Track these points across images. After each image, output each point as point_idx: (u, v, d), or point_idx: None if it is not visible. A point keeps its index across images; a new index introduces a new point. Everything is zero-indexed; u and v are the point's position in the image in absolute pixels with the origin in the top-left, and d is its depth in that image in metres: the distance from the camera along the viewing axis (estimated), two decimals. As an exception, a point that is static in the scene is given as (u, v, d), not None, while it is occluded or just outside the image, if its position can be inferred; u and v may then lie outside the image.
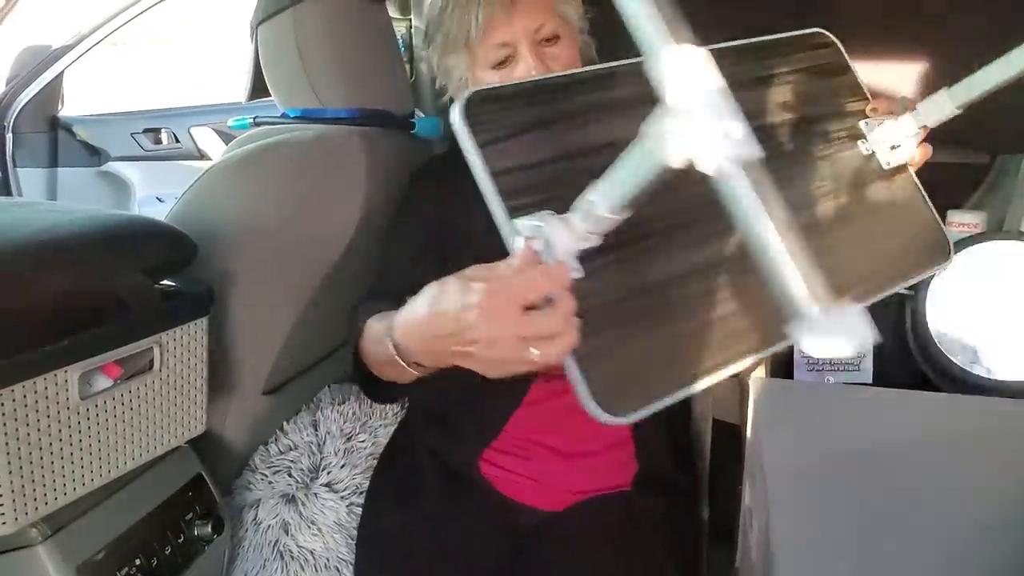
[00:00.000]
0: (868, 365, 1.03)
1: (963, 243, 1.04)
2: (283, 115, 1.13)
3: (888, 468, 0.74)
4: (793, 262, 0.44)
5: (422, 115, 1.31)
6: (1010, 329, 0.97)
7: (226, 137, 2.49)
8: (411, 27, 1.47)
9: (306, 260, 1.06)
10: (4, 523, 0.73)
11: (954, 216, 1.16)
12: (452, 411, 1.08)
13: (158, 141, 2.46)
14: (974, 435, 0.81)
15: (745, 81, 0.77)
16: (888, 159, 0.85)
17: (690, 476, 1.13)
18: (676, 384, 0.62)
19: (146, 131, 2.44)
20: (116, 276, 0.78)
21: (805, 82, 0.83)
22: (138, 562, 0.87)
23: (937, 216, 0.87)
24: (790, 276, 0.44)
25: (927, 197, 0.87)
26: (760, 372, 1.08)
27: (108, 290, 0.78)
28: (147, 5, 2.31)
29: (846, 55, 0.87)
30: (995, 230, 1.15)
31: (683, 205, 0.65)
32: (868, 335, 0.43)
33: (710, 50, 0.47)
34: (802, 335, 0.44)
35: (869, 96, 0.87)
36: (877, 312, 1.07)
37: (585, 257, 0.58)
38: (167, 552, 0.92)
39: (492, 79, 0.97)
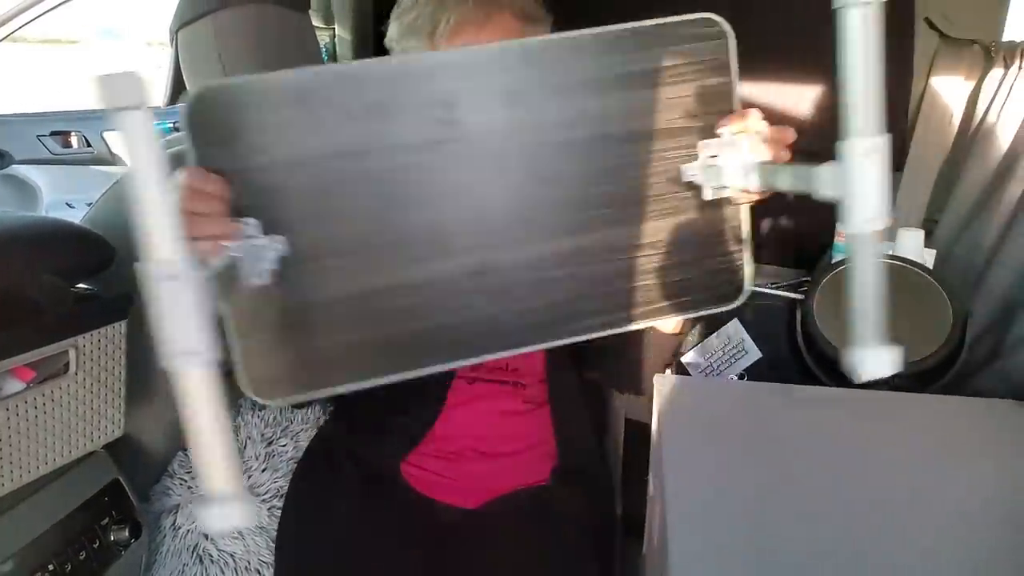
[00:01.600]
0: (751, 346, 1.11)
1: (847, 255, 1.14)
2: (204, 120, 1.13)
3: (777, 453, 0.81)
4: None
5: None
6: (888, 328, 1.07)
7: (142, 142, 2.42)
8: (335, 36, 1.49)
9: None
10: (-90, 529, 0.72)
11: (840, 227, 1.26)
12: (376, 416, 1.10)
13: (67, 144, 2.37)
14: (855, 422, 0.90)
15: (600, 79, 0.69)
16: (711, 192, 0.72)
17: (605, 472, 1.18)
18: (327, 382, 0.69)
19: (54, 134, 2.35)
20: (27, 277, 0.78)
21: (666, 83, 0.70)
22: (51, 567, 0.86)
23: (746, 255, 0.77)
24: None
25: (744, 234, 0.77)
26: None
27: (20, 291, 0.77)
28: (48, 6, 2.25)
29: (732, 51, 0.71)
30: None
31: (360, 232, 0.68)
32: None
33: (574, 37, 0.51)
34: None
35: (734, 107, 0.72)
36: (772, 314, 1.15)
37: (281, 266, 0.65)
38: (81, 557, 0.91)
39: None
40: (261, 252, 0.63)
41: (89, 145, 2.38)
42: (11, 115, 2.43)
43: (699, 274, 0.76)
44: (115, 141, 2.43)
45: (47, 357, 0.82)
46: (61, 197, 2.27)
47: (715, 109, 0.71)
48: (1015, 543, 0.69)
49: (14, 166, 2.24)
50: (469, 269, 0.70)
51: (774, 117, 0.69)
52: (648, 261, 0.74)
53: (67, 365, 0.85)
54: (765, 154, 0.66)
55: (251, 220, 0.63)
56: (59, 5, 1.92)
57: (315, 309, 0.68)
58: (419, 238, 0.68)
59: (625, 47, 0.69)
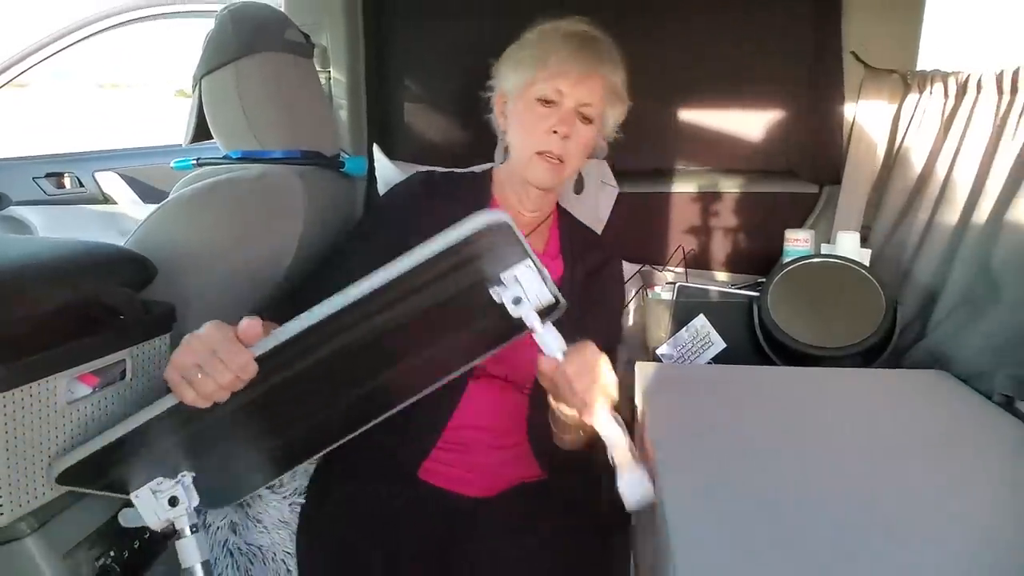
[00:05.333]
0: (716, 337, 1.27)
1: (796, 256, 1.32)
2: (226, 156, 1.26)
3: (747, 424, 0.96)
4: None
5: (347, 154, 1.48)
6: (826, 318, 1.24)
7: (131, 181, 2.52)
8: (330, 78, 1.64)
9: (251, 282, 1.19)
10: (1, 514, 0.82)
11: (789, 233, 1.44)
12: (398, 414, 1.20)
13: (61, 185, 2.45)
14: (810, 394, 1.06)
15: (421, 285, 0.82)
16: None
17: (595, 462, 1.29)
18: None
19: (49, 175, 2.44)
20: (104, 290, 0.90)
21: (473, 260, 0.83)
22: (112, 553, 0.97)
23: None
24: None
25: None
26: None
27: (96, 303, 0.89)
28: (48, 53, 2.36)
29: (517, 231, 0.81)
30: (821, 245, 1.43)
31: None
32: None
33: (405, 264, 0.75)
34: None
35: (534, 259, 0.84)
36: (733, 310, 1.30)
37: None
38: (136, 546, 1.01)
39: (535, 110, 1.16)
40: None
41: (82, 185, 2.47)
42: (8, 158, 2.51)
43: None
44: (105, 181, 2.53)
45: (108, 365, 0.94)
46: (55, 235, 2.35)
47: (513, 259, 0.83)
48: (947, 477, 0.83)
49: (11, 207, 2.32)
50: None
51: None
52: None
53: (123, 372, 0.96)
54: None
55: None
56: (60, 52, 2.04)
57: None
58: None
59: (436, 263, 0.80)
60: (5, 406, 0.80)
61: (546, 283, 0.85)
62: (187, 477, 0.91)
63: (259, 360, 0.81)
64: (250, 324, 0.80)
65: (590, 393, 0.84)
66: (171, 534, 0.92)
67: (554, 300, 0.85)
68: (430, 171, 1.32)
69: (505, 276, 0.84)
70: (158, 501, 0.90)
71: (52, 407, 0.86)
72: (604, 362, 0.86)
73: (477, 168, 1.37)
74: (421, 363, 0.97)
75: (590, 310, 1.18)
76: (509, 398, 1.16)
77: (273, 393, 0.87)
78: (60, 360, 0.86)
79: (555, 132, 1.15)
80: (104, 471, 0.88)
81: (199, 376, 0.79)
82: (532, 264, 0.84)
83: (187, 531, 0.91)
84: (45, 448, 0.86)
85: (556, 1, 1.27)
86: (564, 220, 1.31)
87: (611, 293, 1.27)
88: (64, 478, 0.85)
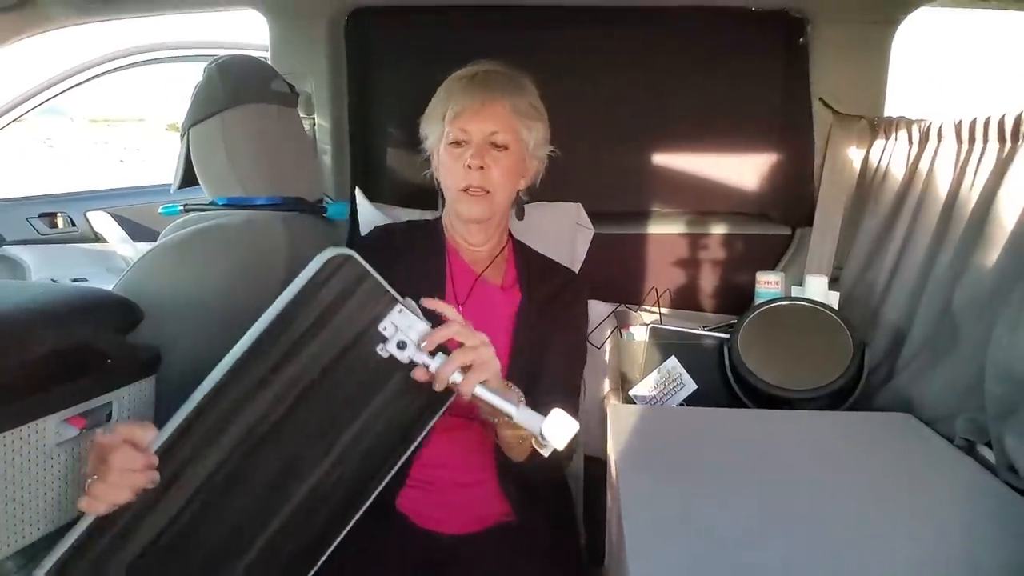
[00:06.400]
0: (688, 379, 1.30)
1: (767, 299, 1.36)
2: (212, 202, 1.30)
3: (718, 467, 0.99)
4: None
5: (330, 199, 1.52)
6: (796, 360, 1.27)
7: (121, 221, 2.57)
8: (315, 124, 1.69)
9: (235, 326, 1.21)
10: (-10, 554, 0.85)
11: (760, 275, 1.48)
12: None
13: (54, 225, 2.50)
14: (780, 436, 1.09)
15: (294, 341, 0.87)
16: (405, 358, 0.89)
17: (567, 505, 1.31)
18: None
19: (42, 215, 2.49)
20: (94, 335, 0.93)
21: (336, 309, 0.87)
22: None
23: None
24: None
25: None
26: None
27: (86, 347, 0.93)
28: (44, 97, 2.43)
29: (363, 263, 0.87)
30: (792, 287, 1.47)
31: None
32: None
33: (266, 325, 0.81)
34: None
35: (396, 295, 0.89)
36: (704, 352, 1.33)
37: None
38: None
39: (450, 153, 1.23)
40: None
41: (74, 224, 2.53)
42: (1, 200, 2.56)
43: None
44: (96, 220, 2.58)
45: (95, 408, 0.97)
46: (48, 273, 2.38)
47: (380, 306, 0.88)
48: (906, 521, 0.87)
49: (5, 246, 2.37)
50: None
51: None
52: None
53: (109, 415, 0.99)
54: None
55: None
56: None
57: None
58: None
59: (296, 312, 0.87)
60: (-4, 448, 0.83)
61: (418, 315, 0.89)
62: None
63: (162, 455, 0.82)
64: (131, 427, 0.83)
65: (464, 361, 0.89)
66: None
67: (430, 325, 0.90)
68: (388, 224, 1.38)
69: (383, 328, 0.88)
70: None
71: (41, 449, 0.89)
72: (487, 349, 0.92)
73: (430, 216, 1.42)
74: (359, 452, 0.93)
75: (552, 333, 1.22)
76: (474, 436, 1.19)
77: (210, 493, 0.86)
78: (50, 403, 0.90)
79: (469, 167, 1.20)
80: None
81: (88, 483, 0.81)
82: (400, 307, 0.88)
83: None
84: (33, 488, 0.89)
85: (532, 51, 1.33)
86: (519, 250, 1.35)
87: (573, 314, 1.30)
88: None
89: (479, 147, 1.21)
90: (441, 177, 1.29)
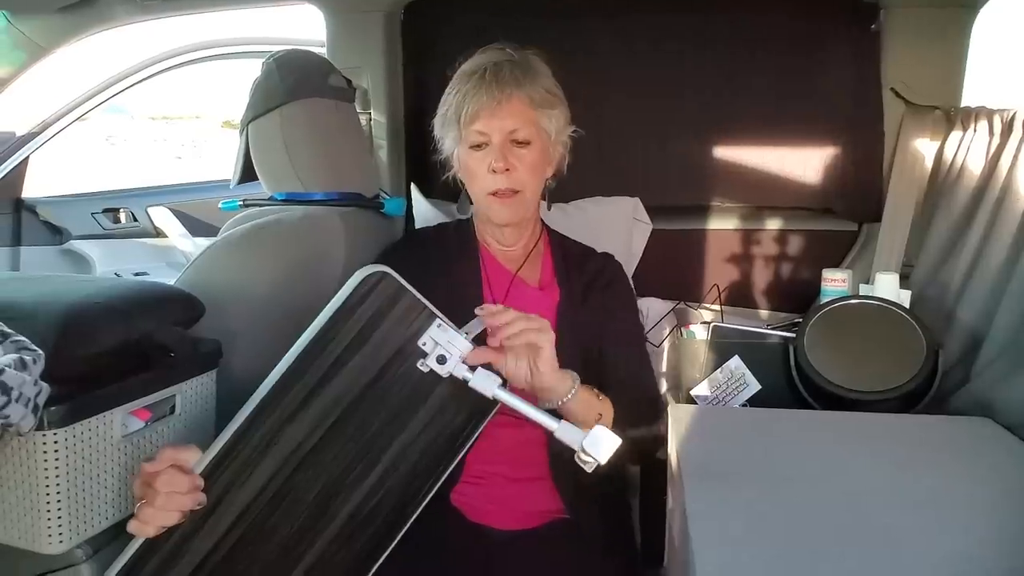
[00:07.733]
0: (751, 379, 1.26)
1: (833, 297, 1.31)
2: (271, 198, 1.31)
3: (784, 471, 0.95)
4: None
5: (387, 195, 1.52)
6: (865, 361, 1.22)
7: (180, 216, 2.63)
8: (371, 119, 1.69)
9: (295, 320, 1.22)
10: (61, 542, 0.86)
11: (826, 273, 1.42)
12: None
13: (117, 220, 2.58)
14: (848, 440, 1.04)
15: (334, 362, 0.87)
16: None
17: (624, 505, 1.30)
18: None
19: (105, 211, 2.56)
20: (158, 329, 0.95)
21: (374, 326, 0.87)
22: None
23: None
24: None
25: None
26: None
27: (150, 341, 0.94)
28: (106, 96, 2.49)
29: (399, 279, 0.87)
30: (860, 285, 1.42)
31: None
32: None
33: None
34: None
35: (433, 309, 0.89)
36: (769, 351, 1.30)
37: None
38: None
39: (471, 157, 1.19)
40: None
41: (135, 220, 2.60)
42: (68, 195, 2.65)
43: None
44: (157, 216, 2.64)
45: (160, 400, 0.98)
46: (111, 267, 2.46)
47: (418, 322, 0.88)
48: (987, 532, 0.82)
49: (71, 241, 2.44)
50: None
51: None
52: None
53: (173, 407, 1.01)
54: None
55: None
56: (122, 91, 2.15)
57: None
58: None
59: (335, 332, 0.86)
60: (67, 440, 0.85)
61: (458, 331, 0.89)
62: None
63: (207, 477, 0.83)
64: (176, 450, 0.84)
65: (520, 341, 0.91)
66: None
67: (472, 342, 0.90)
68: (418, 230, 1.38)
69: (422, 344, 0.88)
70: None
71: (109, 440, 0.91)
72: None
73: (462, 216, 1.40)
74: (405, 467, 0.93)
75: (602, 317, 1.21)
76: (526, 431, 1.17)
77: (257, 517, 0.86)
78: (117, 396, 0.91)
79: (494, 170, 1.16)
80: None
81: (137, 507, 0.82)
82: (439, 321, 0.88)
83: None
84: (101, 479, 0.90)
85: (591, 40, 1.30)
86: (555, 241, 1.33)
87: (615, 292, 1.27)
88: None
89: (501, 147, 1.17)
90: (465, 180, 1.25)
